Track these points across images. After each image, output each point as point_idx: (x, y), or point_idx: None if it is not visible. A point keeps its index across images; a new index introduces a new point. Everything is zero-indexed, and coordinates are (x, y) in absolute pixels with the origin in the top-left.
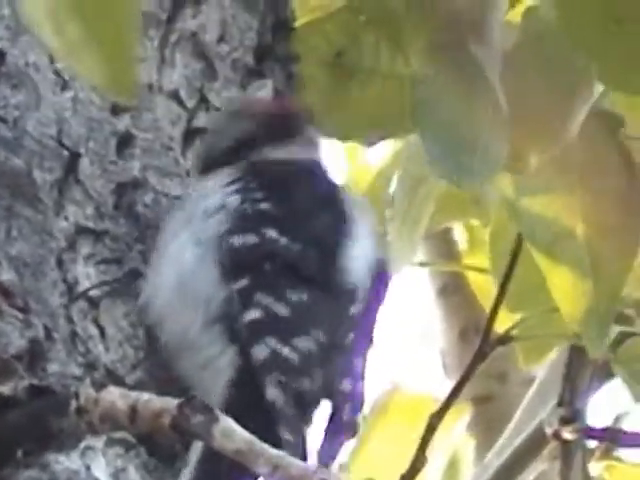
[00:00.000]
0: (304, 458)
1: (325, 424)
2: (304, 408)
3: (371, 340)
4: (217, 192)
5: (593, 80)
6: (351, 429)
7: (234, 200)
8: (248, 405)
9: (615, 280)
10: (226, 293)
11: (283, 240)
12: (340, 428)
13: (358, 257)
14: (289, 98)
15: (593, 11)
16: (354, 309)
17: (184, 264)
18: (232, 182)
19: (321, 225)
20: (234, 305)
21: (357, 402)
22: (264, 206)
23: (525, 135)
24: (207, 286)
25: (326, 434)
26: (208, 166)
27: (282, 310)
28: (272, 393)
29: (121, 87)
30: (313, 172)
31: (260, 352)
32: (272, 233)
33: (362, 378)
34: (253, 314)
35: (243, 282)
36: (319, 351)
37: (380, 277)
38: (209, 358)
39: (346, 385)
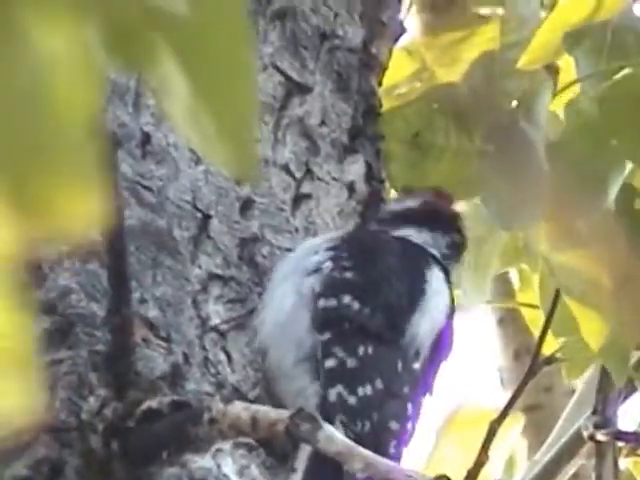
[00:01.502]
0: None
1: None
2: (362, 443)
3: (430, 390)
4: (319, 253)
5: (624, 160)
6: (395, 460)
7: (327, 266)
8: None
9: (634, 323)
10: (313, 340)
11: (355, 305)
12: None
13: (426, 322)
14: (452, 202)
15: (627, 109)
16: (416, 365)
17: (285, 308)
18: (331, 248)
19: (393, 293)
20: (318, 352)
21: (401, 439)
22: (347, 275)
23: (567, 210)
24: (300, 330)
25: None
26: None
27: (351, 362)
28: (338, 430)
29: (248, 169)
30: (409, 247)
31: (332, 395)
32: (347, 299)
33: (412, 420)
34: (331, 362)
35: (326, 335)
36: (376, 398)
37: (448, 337)
38: (300, 388)
39: (394, 425)
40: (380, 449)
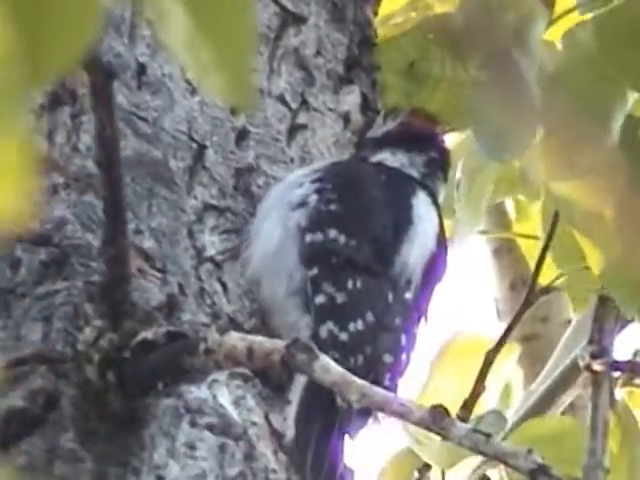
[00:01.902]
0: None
1: None
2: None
3: (424, 316)
4: (304, 186)
5: (627, 91)
6: (391, 392)
7: (313, 199)
8: None
9: (636, 255)
10: (302, 275)
11: (342, 238)
12: None
13: (415, 250)
14: (436, 124)
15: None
16: (408, 295)
17: (273, 241)
18: (316, 180)
19: (379, 223)
20: (308, 287)
21: (396, 371)
22: (332, 207)
23: (572, 143)
24: (289, 264)
25: None
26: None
27: (340, 298)
28: None
29: (245, 99)
30: (394, 175)
31: (323, 332)
32: (334, 233)
33: (406, 351)
34: (320, 299)
35: (314, 270)
36: (367, 332)
37: (440, 264)
38: (293, 321)
39: (387, 358)
40: (375, 383)
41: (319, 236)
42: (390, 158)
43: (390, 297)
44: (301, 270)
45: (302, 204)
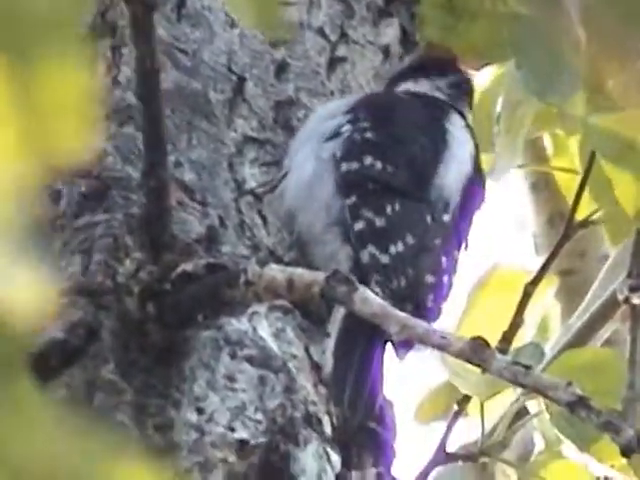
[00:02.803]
0: None
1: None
2: (399, 299)
3: (464, 241)
4: (336, 117)
5: None
6: (433, 315)
7: (347, 129)
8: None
9: None
10: (340, 204)
11: (378, 164)
12: (423, 314)
13: (452, 173)
14: (453, 54)
15: None
16: (446, 217)
17: (307, 173)
18: (348, 111)
19: (415, 148)
20: (346, 215)
21: (439, 293)
22: (367, 135)
23: (606, 70)
24: (326, 195)
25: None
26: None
27: (380, 222)
28: (374, 289)
29: (273, 27)
30: (426, 101)
31: (364, 256)
32: (369, 159)
33: (448, 273)
34: (360, 225)
35: (352, 199)
36: (408, 253)
37: (477, 188)
38: (332, 252)
39: (429, 279)
40: (418, 304)
41: (355, 164)
42: (412, 87)
43: (428, 219)
44: (338, 199)
45: (335, 135)
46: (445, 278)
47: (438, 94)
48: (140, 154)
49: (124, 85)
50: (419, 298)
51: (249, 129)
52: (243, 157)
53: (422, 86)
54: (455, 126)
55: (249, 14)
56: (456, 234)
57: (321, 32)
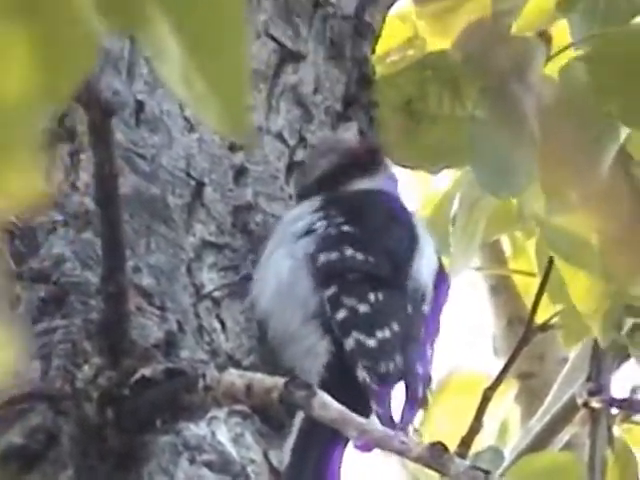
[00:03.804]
0: (391, 425)
1: (403, 399)
2: (387, 386)
3: (438, 332)
4: (304, 218)
5: (619, 127)
6: (423, 403)
7: (320, 225)
8: (341, 384)
9: (622, 282)
10: (318, 298)
11: (359, 255)
12: (414, 402)
13: (425, 266)
14: (370, 138)
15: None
16: (425, 307)
17: (282, 275)
18: (317, 210)
19: (392, 240)
20: (326, 307)
21: (427, 382)
22: (344, 228)
23: (562, 176)
24: (303, 291)
25: (404, 406)
26: (302, 194)
27: (364, 308)
28: (361, 375)
29: (239, 130)
30: (387, 198)
31: (349, 344)
32: (350, 251)
33: (431, 363)
34: (342, 314)
35: (332, 289)
36: (395, 340)
37: (443, 283)
38: (309, 346)
39: (419, 368)
40: (410, 394)
41: (334, 255)
42: (369, 183)
43: (410, 309)
44: (316, 293)
45: (308, 232)
46: (430, 369)
47: (392, 189)
48: (99, 259)
49: (82, 190)
50: (410, 387)
51: (207, 234)
52: (201, 262)
53: (379, 182)
54: (419, 223)
55: (215, 118)
56: (433, 325)
57: (280, 137)
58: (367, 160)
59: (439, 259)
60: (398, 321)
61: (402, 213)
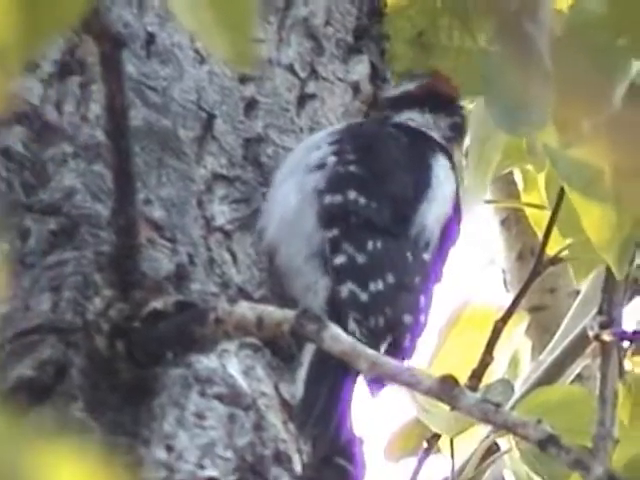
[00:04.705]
0: None
1: (388, 349)
2: (376, 338)
3: (439, 279)
4: (321, 148)
5: (630, 60)
6: (409, 353)
7: (331, 160)
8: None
9: (636, 212)
10: (321, 236)
11: (362, 199)
12: (399, 353)
13: (432, 212)
14: (453, 86)
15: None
16: (426, 255)
17: (290, 206)
18: (334, 142)
19: (399, 186)
20: (327, 248)
21: (415, 332)
22: (352, 168)
23: (575, 107)
24: (307, 227)
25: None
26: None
27: (361, 259)
28: (351, 327)
29: (245, 60)
30: (409, 137)
31: (343, 291)
32: (353, 194)
33: (424, 312)
34: (340, 259)
35: (334, 232)
36: (388, 291)
37: (454, 224)
38: (311, 283)
39: (407, 318)
40: (395, 343)
41: (338, 197)
42: (417, 117)
43: (409, 258)
44: (320, 232)
45: (320, 166)
46: (422, 317)
47: (435, 132)
48: (109, 191)
49: (93, 122)
50: (396, 337)
51: (218, 166)
52: (212, 194)
53: (425, 121)
54: (441, 167)
55: (221, 47)
56: (433, 271)
57: (291, 69)
58: (439, 101)
59: (457, 202)
60: (394, 271)
61: (422, 156)
